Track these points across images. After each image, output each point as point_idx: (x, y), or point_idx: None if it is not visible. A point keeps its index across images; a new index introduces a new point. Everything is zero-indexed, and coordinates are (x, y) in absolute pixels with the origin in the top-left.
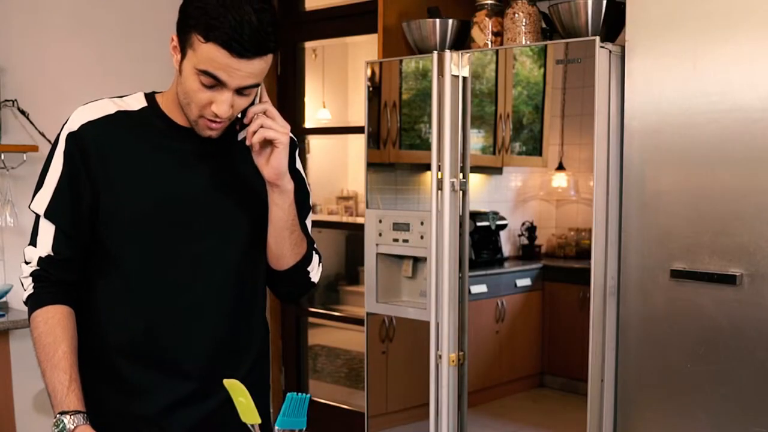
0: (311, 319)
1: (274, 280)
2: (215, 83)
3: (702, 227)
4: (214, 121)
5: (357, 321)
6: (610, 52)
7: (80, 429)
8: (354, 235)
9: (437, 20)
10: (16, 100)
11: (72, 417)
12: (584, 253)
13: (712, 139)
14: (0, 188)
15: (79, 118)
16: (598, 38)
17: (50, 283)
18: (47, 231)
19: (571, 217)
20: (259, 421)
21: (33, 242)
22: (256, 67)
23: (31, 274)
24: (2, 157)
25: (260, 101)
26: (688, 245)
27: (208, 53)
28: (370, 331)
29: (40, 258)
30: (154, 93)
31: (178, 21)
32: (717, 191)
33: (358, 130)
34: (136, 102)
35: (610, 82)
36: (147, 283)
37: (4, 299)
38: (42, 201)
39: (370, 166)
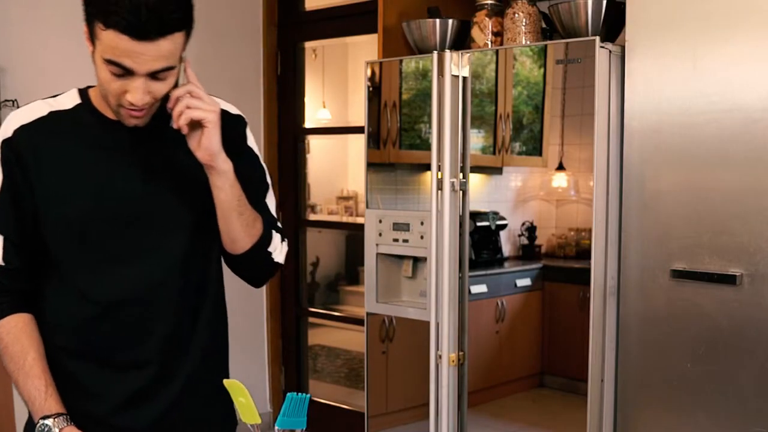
0: (311, 319)
1: (236, 265)
2: (124, 71)
3: (702, 227)
4: (133, 110)
5: (357, 321)
6: (610, 52)
7: (66, 430)
8: (354, 235)
9: (437, 20)
10: (16, 100)
11: (55, 420)
12: (584, 253)
13: (712, 139)
14: None
15: (13, 123)
16: (598, 38)
17: (6, 293)
18: None
19: (571, 217)
20: (259, 421)
21: None
22: (164, 49)
23: None
24: None
25: (188, 82)
26: (688, 245)
27: (110, 40)
28: (370, 331)
29: None
30: (88, 88)
31: (84, 11)
32: (717, 191)
33: (358, 130)
34: (69, 100)
35: (610, 82)
36: (91, 282)
37: None
38: None
39: (370, 166)
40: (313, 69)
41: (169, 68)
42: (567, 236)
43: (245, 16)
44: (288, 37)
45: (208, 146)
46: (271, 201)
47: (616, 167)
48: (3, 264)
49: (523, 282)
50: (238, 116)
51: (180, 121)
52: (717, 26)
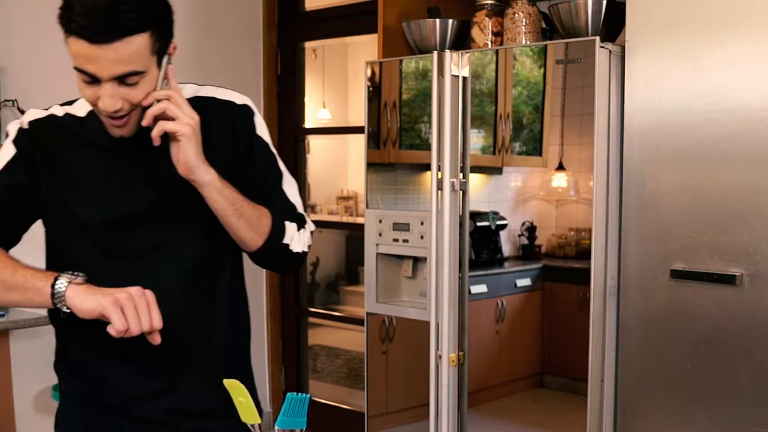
0: (311, 319)
1: (255, 260)
2: (91, 78)
3: (702, 227)
4: (112, 118)
5: (357, 321)
6: (610, 52)
7: (86, 284)
8: (354, 235)
9: (437, 20)
10: (16, 100)
11: (68, 276)
12: (584, 253)
13: (712, 139)
14: None
15: (29, 116)
16: (598, 38)
17: None
18: None
19: (571, 217)
20: (259, 421)
21: None
22: (121, 52)
23: None
24: None
25: (168, 87)
26: (688, 245)
27: (72, 47)
28: (370, 331)
29: None
30: None
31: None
32: (717, 191)
33: (358, 130)
34: (82, 107)
35: (610, 82)
36: (99, 281)
37: None
38: None
39: (370, 166)
40: (313, 69)
41: (135, 73)
42: (567, 236)
43: (245, 16)
44: (288, 37)
45: (184, 161)
46: (289, 186)
47: (616, 167)
48: None
49: (523, 282)
50: (244, 106)
51: (153, 132)
52: (717, 26)
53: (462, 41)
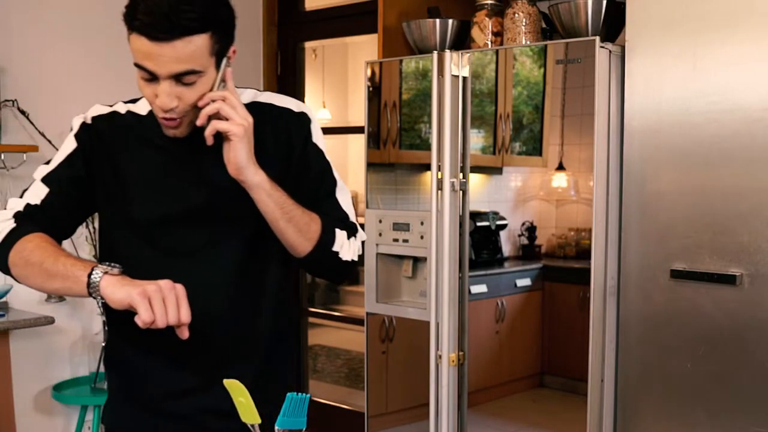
0: (311, 319)
1: (303, 267)
2: (150, 76)
3: (702, 227)
4: (166, 118)
5: (357, 321)
6: (610, 52)
7: (121, 275)
8: None
9: (437, 20)
10: (16, 100)
11: (106, 266)
12: (584, 253)
13: (712, 139)
14: (0, 188)
15: (93, 111)
16: (598, 38)
17: (34, 223)
18: (40, 189)
19: (571, 217)
20: (259, 421)
21: (21, 195)
22: (180, 51)
23: (14, 215)
24: (2, 157)
25: (225, 89)
26: (688, 245)
27: (134, 44)
28: (370, 331)
29: (27, 204)
30: None
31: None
32: (717, 191)
33: (358, 130)
34: (143, 106)
35: (610, 82)
36: (144, 276)
37: (4, 299)
38: (44, 170)
39: (370, 166)
40: (313, 69)
41: (192, 72)
42: (567, 236)
43: (245, 16)
44: (288, 37)
45: (234, 160)
46: (342, 195)
47: (616, 167)
48: (39, 204)
49: (523, 282)
50: (301, 113)
51: (206, 131)
52: (717, 26)
53: (462, 41)
